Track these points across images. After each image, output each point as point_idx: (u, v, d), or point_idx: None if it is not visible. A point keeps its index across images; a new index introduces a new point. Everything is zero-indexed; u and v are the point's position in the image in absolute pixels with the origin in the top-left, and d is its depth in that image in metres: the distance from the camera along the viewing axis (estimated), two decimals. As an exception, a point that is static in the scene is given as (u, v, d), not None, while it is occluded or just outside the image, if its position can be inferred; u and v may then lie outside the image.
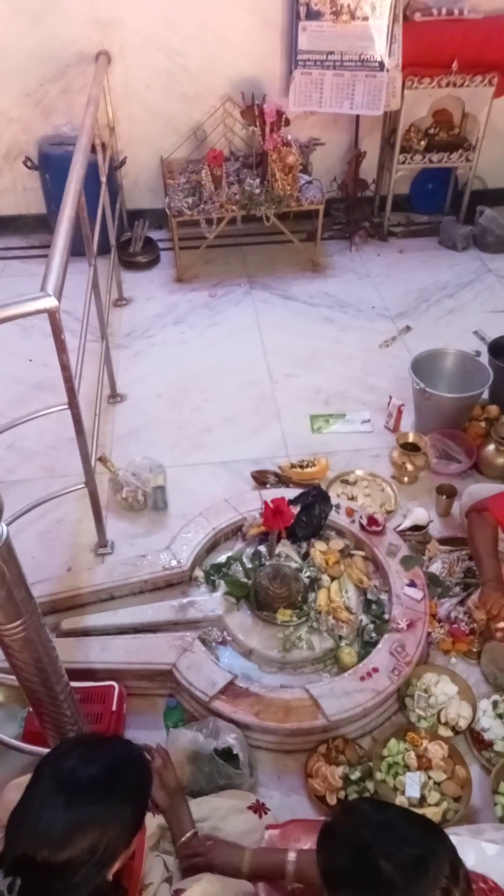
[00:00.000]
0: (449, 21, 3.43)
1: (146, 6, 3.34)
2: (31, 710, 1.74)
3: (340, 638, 2.02)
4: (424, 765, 1.77)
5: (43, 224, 3.77)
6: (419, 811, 1.67)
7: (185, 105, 3.63)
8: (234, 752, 1.71)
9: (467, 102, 3.64)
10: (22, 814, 1.03)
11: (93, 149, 2.65)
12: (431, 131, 3.78)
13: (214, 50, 3.50)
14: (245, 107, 3.50)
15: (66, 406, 1.84)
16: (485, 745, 1.84)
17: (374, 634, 2.02)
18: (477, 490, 2.32)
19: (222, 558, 2.24)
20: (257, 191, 3.41)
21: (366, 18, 3.23)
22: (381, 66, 3.31)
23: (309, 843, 1.40)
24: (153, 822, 1.46)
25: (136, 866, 1.25)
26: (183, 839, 1.42)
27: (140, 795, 1.12)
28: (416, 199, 4.14)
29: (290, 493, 2.31)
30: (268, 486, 2.52)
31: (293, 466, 2.57)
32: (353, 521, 2.29)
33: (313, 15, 3.26)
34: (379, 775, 1.76)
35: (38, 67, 3.46)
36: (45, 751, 1.43)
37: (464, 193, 3.97)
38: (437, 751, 1.78)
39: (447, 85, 3.50)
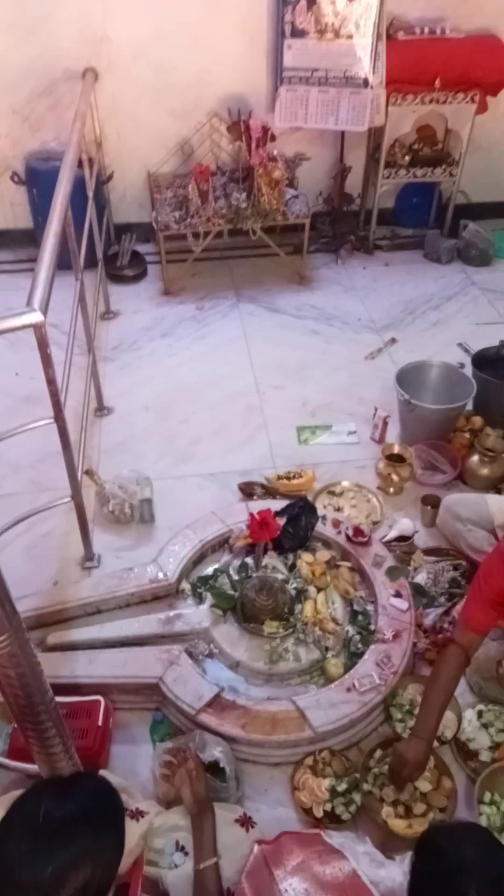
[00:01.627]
0: (431, 40, 3.49)
1: (135, 23, 3.38)
2: (15, 726, 1.73)
3: (327, 649, 2.02)
4: (410, 776, 1.77)
5: (30, 238, 3.77)
6: (405, 822, 1.68)
7: (173, 120, 3.66)
8: (221, 765, 1.71)
9: (450, 119, 3.70)
10: None
11: (80, 164, 2.68)
12: (415, 147, 3.83)
13: (202, 66, 3.53)
14: (231, 122, 3.54)
15: (52, 420, 1.85)
16: (470, 755, 1.85)
17: (360, 645, 2.03)
18: (454, 501, 2.33)
19: (209, 570, 2.24)
20: (244, 205, 3.44)
21: (350, 37, 3.28)
22: (366, 82, 3.36)
23: (302, 855, 1.39)
24: (135, 831, 1.44)
25: None
26: (202, 866, 1.41)
27: (119, 823, 1.10)
28: (400, 213, 4.19)
29: (277, 504, 2.32)
30: (255, 497, 2.53)
31: (280, 478, 2.58)
32: (340, 532, 2.30)
33: (298, 33, 3.31)
34: (366, 786, 1.76)
35: (26, 83, 3.48)
36: (31, 767, 1.42)
37: (448, 207, 4.03)
38: (423, 761, 1.79)
39: (430, 102, 3.55)
